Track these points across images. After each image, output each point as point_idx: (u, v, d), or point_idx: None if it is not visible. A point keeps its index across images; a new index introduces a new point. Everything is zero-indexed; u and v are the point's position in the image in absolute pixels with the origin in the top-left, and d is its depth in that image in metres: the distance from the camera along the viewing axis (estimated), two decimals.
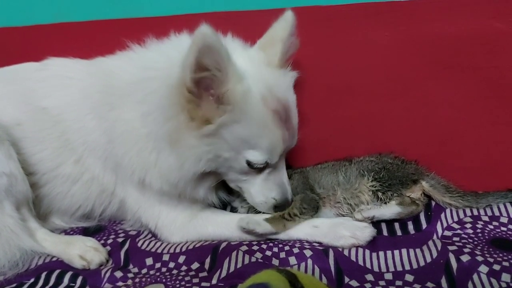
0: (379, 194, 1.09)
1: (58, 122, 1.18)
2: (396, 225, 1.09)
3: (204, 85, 0.92)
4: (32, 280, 1.05)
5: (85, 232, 1.25)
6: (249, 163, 1.03)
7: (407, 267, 0.96)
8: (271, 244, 1.06)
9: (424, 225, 1.08)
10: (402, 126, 1.33)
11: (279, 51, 1.07)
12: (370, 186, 1.11)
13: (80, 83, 1.19)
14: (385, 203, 1.09)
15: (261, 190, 1.10)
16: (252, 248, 1.05)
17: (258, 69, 1.03)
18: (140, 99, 1.04)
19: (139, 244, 1.15)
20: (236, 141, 0.99)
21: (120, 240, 1.18)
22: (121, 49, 1.18)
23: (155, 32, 1.13)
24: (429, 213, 1.11)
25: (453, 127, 1.29)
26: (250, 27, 1.37)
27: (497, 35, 1.22)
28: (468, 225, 1.06)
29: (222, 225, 1.14)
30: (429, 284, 0.89)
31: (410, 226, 1.09)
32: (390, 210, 1.09)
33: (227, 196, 1.22)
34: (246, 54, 1.06)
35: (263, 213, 1.12)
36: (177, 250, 1.10)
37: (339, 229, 1.05)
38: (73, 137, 1.17)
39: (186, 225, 1.15)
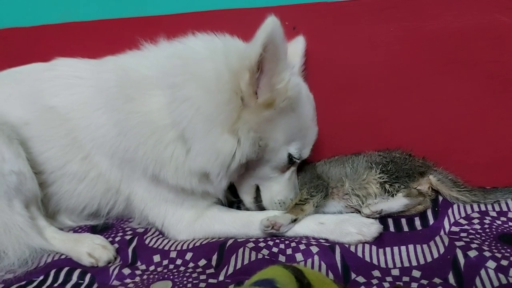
0: (387, 186, 1.10)
1: (66, 120, 1.19)
2: (403, 221, 1.09)
3: (265, 70, 0.94)
4: (41, 277, 1.06)
5: (93, 230, 1.27)
6: (289, 156, 1.08)
7: (414, 263, 0.96)
8: (277, 241, 1.07)
9: (431, 221, 1.08)
10: (408, 121, 1.32)
11: (298, 63, 1.21)
12: (377, 177, 1.11)
13: (89, 82, 1.19)
14: (392, 195, 1.10)
15: (284, 189, 1.13)
16: (259, 245, 1.05)
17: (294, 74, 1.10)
18: (172, 84, 1.02)
19: (146, 242, 1.16)
20: (287, 130, 1.04)
21: (127, 237, 1.19)
22: (128, 48, 1.18)
23: (163, 30, 1.14)
24: (436, 209, 1.11)
25: (460, 122, 1.28)
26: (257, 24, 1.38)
27: (503, 29, 1.21)
28: (476, 221, 1.05)
29: (228, 223, 1.14)
30: (436, 279, 0.89)
31: (417, 222, 1.08)
32: (398, 202, 1.09)
33: (232, 197, 1.26)
34: None
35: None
36: (184, 247, 1.11)
37: (345, 225, 1.05)
38: (81, 134, 1.18)
39: (192, 223, 1.16)
